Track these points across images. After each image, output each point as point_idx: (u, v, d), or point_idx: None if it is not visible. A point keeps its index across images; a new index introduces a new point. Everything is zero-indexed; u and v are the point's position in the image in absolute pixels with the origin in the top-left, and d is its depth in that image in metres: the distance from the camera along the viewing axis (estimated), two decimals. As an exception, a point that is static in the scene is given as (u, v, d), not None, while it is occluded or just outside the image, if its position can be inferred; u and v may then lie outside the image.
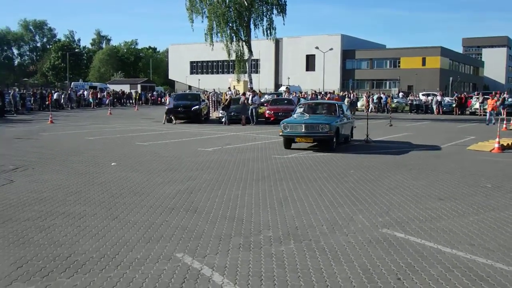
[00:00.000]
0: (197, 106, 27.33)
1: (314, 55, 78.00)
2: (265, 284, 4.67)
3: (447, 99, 42.87)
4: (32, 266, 5.03)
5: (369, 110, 38.95)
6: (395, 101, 41.40)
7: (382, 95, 42.70)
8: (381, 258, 5.41)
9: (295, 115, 16.20)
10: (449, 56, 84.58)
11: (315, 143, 15.30)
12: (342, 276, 4.87)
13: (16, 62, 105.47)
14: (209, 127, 24.43)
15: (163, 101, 33.04)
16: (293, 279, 4.80)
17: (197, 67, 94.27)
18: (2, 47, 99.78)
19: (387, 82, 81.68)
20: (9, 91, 35.38)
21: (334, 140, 14.80)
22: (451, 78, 71.47)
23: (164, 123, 26.24)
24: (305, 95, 36.99)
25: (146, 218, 6.96)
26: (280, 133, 15.00)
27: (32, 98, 37.16)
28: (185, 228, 6.46)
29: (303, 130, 14.55)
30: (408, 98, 45.00)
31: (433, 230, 6.52)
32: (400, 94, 54.53)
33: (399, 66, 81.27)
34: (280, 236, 6.18)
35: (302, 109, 16.80)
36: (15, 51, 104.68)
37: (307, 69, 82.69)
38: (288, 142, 15.14)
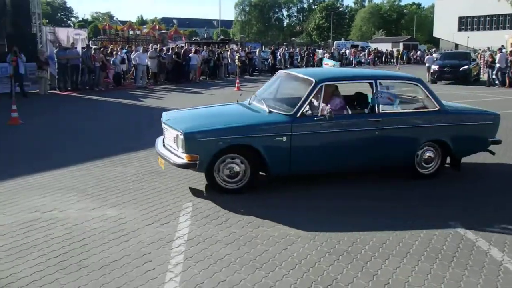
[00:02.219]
0: (466, 66, 25.20)
1: None
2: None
3: None
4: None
5: None
6: None
7: None
8: None
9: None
10: None
11: None
12: None
13: (285, 23, 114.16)
14: (480, 90, 22.16)
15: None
16: None
17: (467, 23, 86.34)
18: (274, 9, 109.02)
19: None
20: (280, 50, 38.44)
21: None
22: None
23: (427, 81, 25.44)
24: None
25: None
26: None
27: (299, 56, 39.84)
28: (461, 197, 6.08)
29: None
30: None
31: None
32: None
33: None
34: None
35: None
36: (285, 13, 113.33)
37: None
38: None
